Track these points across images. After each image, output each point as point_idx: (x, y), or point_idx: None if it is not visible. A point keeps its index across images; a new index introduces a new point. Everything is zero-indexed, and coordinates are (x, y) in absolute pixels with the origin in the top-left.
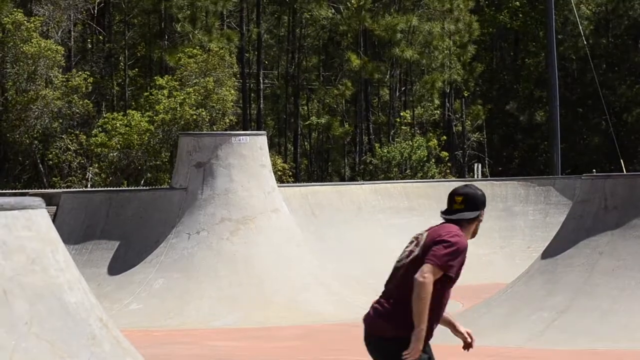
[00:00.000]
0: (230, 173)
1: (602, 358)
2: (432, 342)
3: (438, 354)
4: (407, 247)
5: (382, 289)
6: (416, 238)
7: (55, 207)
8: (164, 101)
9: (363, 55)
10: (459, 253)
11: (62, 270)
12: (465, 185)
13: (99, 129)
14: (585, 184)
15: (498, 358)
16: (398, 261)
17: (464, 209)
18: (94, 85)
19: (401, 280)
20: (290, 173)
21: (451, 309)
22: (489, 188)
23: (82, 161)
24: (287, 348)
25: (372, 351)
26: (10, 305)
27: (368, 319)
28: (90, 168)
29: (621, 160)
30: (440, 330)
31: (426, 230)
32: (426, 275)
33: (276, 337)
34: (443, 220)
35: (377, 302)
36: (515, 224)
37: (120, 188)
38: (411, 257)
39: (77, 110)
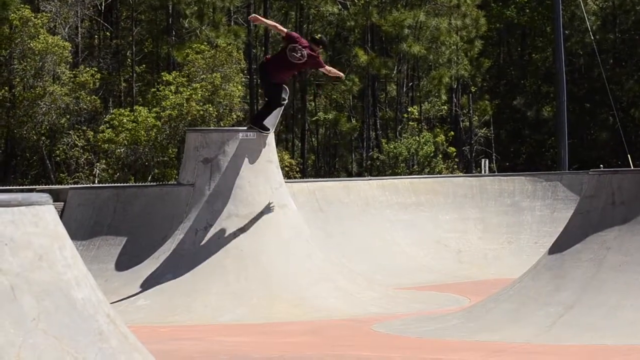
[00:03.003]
0: (238, 169)
1: (610, 353)
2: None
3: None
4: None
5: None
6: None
7: (63, 203)
8: (171, 97)
9: (370, 51)
10: None
11: (69, 266)
12: None
13: (106, 125)
14: (593, 179)
15: (505, 353)
16: None
17: None
18: (101, 81)
19: None
20: (298, 169)
21: (459, 304)
22: (497, 183)
23: (90, 157)
24: (294, 343)
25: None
26: (18, 302)
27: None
28: (98, 164)
29: (628, 156)
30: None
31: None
32: None
33: (283, 333)
34: None
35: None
36: (522, 219)
37: (128, 184)
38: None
39: (85, 107)
